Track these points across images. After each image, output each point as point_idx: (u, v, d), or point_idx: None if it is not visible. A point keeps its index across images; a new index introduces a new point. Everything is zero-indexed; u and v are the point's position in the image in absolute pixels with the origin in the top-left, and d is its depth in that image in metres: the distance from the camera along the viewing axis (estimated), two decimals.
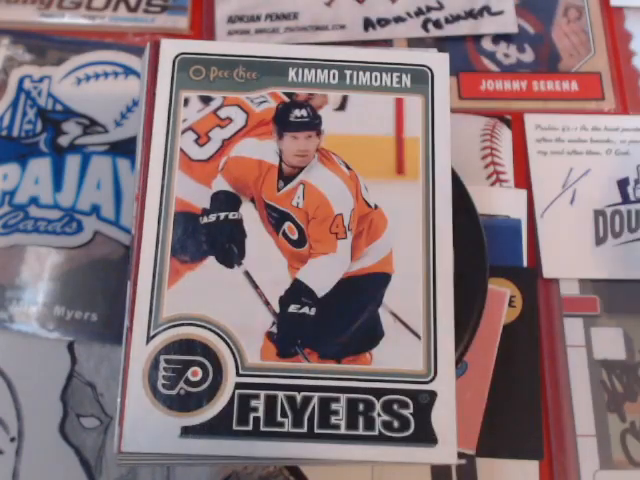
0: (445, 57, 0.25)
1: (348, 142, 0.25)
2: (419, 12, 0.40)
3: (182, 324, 0.23)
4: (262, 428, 0.22)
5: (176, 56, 0.25)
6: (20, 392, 0.34)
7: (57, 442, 0.33)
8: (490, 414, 0.31)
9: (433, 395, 0.23)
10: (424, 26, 0.40)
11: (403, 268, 0.24)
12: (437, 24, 0.40)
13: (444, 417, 0.22)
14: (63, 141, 0.38)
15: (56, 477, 0.33)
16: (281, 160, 0.24)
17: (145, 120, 0.25)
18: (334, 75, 0.25)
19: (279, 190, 0.24)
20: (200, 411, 0.22)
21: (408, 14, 0.40)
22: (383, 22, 0.40)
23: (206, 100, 0.25)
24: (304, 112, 0.25)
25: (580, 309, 0.35)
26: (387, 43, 0.40)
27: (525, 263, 0.35)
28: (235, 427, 0.22)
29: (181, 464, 0.32)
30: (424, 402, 0.23)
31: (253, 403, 0.22)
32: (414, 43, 0.40)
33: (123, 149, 0.38)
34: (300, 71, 0.25)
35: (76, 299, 0.35)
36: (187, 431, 0.22)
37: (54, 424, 0.33)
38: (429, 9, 0.40)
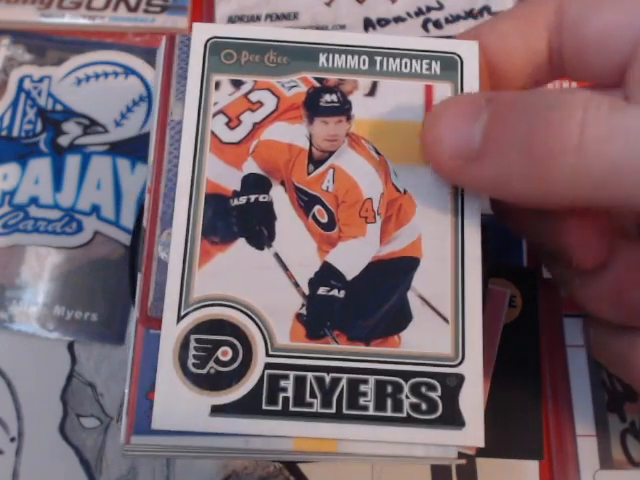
0: (475, 45, 0.25)
1: (378, 127, 0.25)
2: (419, 12, 0.40)
3: (212, 304, 0.23)
4: (291, 408, 0.22)
5: (208, 40, 0.25)
6: (20, 392, 0.34)
7: (57, 442, 0.33)
8: (490, 414, 0.31)
9: (461, 378, 0.23)
10: (424, 26, 0.40)
11: (432, 252, 0.24)
12: (437, 24, 0.40)
13: (471, 400, 0.23)
14: (63, 141, 0.38)
15: (56, 477, 0.33)
16: (311, 144, 0.25)
17: (159, 118, 0.25)
18: (364, 61, 0.25)
19: (309, 174, 0.24)
20: (230, 390, 0.22)
21: (408, 14, 0.40)
22: (383, 22, 0.40)
23: (237, 84, 0.25)
24: (334, 97, 0.25)
25: (580, 309, 0.35)
26: None
27: (525, 263, 0.35)
28: (264, 407, 0.22)
29: (184, 457, 0.32)
30: (452, 385, 0.23)
31: (282, 383, 0.23)
32: None
33: (123, 149, 0.38)
34: (331, 56, 0.25)
35: (76, 299, 0.35)
36: (217, 410, 0.22)
37: (54, 424, 0.33)
38: (429, 9, 0.40)
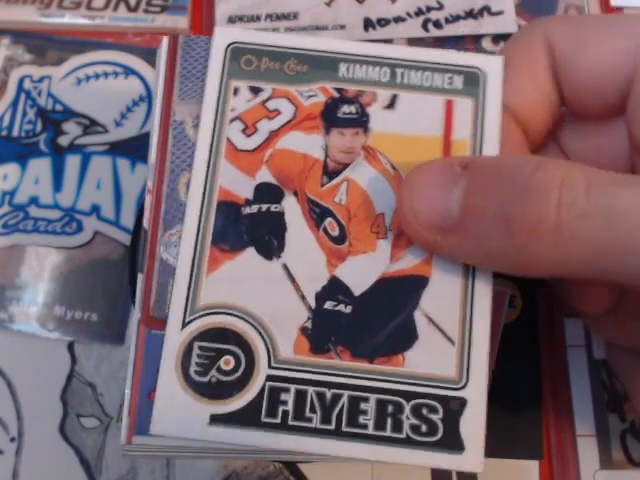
0: (500, 60, 0.25)
1: (395, 141, 0.24)
2: (419, 12, 0.40)
3: (218, 312, 0.23)
4: (290, 422, 0.22)
5: (229, 45, 0.25)
6: (20, 392, 0.34)
7: (57, 442, 0.33)
8: (490, 414, 0.31)
9: (463, 402, 0.22)
10: (424, 26, 0.40)
11: (442, 272, 0.23)
12: (437, 24, 0.40)
13: (473, 425, 0.22)
14: (63, 141, 0.38)
15: (56, 477, 0.33)
16: (326, 155, 0.24)
17: (161, 119, 0.25)
18: (385, 73, 0.25)
19: (322, 185, 0.24)
20: (230, 400, 0.22)
21: (408, 14, 0.40)
22: (383, 22, 0.40)
23: (255, 91, 0.25)
24: (353, 108, 0.25)
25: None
26: (387, 43, 0.40)
27: None
28: (263, 419, 0.22)
29: (184, 457, 0.32)
30: (454, 409, 0.22)
31: (283, 396, 0.22)
32: (414, 43, 0.40)
33: (123, 149, 0.38)
34: (351, 67, 0.25)
35: (76, 299, 0.35)
36: (216, 419, 0.22)
37: (54, 424, 0.33)
38: (429, 9, 0.40)
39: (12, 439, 0.33)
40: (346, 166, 0.24)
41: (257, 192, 0.24)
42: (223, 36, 0.25)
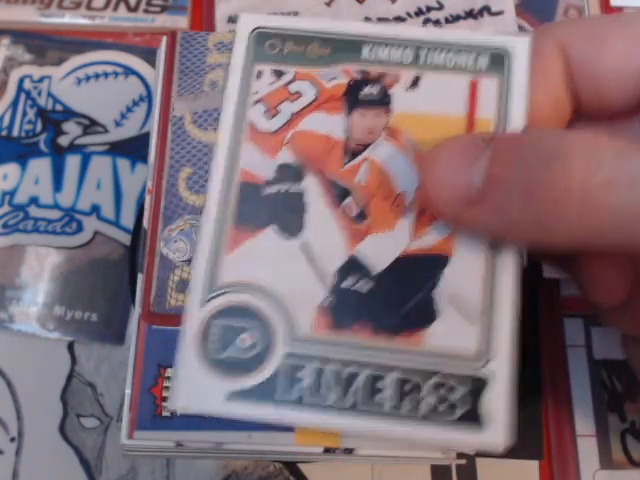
0: (526, 40, 0.24)
1: (417, 121, 0.24)
2: (419, 12, 0.40)
3: (237, 290, 0.23)
4: (306, 399, 0.22)
5: (253, 30, 0.25)
6: (20, 392, 0.34)
7: (57, 442, 0.33)
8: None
9: (484, 381, 0.22)
10: (424, 26, 0.40)
11: (464, 250, 0.23)
12: (437, 24, 0.40)
13: (493, 404, 0.22)
14: (63, 141, 0.38)
15: (56, 477, 0.33)
16: (347, 136, 0.24)
17: (161, 114, 0.25)
18: (408, 54, 0.25)
19: (343, 166, 0.24)
20: (248, 377, 0.22)
21: (408, 14, 0.40)
22: (383, 22, 0.40)
23: (278, 74, 0.25)
24: (374, 90, 0.25)
25: (580, 309, 0.35)
26: None
27: (525, 263, 0.35)
28: (280, 396, 0.22)
29: (184, 457, 0.32)
30: (474, 388, 0.22)
31: (299, 374, 0.22)
32: None
33: (123, 149, 0.38)
34: (374, 48, 0.25)
35: (76, 299, 0.35)
36: (233, 395, 0.22)
37: (54, 424, 0.33)
38: (429, 9, 0.40)
39: (12, 439, 0.33)
40: (367, 146, 0.24)
41: (277, 173, 0.24)
42: (248, 21, 0.25)
